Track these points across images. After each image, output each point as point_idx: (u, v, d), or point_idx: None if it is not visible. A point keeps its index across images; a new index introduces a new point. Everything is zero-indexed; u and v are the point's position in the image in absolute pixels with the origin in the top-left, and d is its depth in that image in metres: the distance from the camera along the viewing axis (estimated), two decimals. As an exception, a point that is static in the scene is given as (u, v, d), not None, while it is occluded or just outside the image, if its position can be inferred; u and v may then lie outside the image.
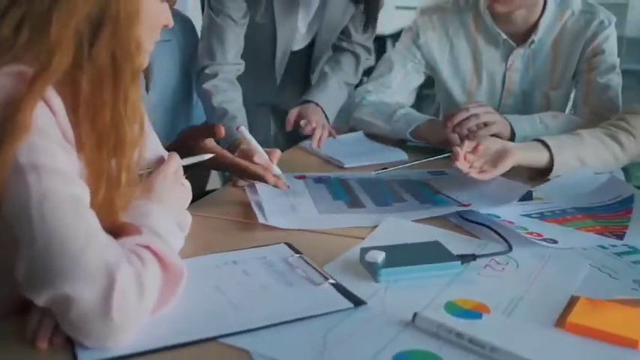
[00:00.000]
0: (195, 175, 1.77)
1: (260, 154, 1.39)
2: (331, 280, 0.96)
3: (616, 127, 1.52)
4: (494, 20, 1.75)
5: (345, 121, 1.88)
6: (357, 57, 1.91)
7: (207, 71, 1.65)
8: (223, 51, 1.66)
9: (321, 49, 1.91)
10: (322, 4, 1.79)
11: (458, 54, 1.82)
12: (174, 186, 1.06)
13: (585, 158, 1.47)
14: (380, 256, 1.00)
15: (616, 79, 1.75)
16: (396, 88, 1.85)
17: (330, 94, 1.82)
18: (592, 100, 1.72)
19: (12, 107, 0.80)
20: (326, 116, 1.76)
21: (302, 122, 1.69)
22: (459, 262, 1.02)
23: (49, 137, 0.82)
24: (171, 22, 1.01)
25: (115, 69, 0.87)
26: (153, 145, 1.15)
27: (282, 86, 1.95)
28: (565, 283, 0.98)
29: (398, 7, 5.35)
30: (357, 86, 1.93)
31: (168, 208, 1.00)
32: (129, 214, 0.93)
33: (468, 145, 1.36)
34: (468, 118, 1.57)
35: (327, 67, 1.89)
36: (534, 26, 1.74)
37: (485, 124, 1.58)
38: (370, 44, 1.90)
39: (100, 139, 0.86)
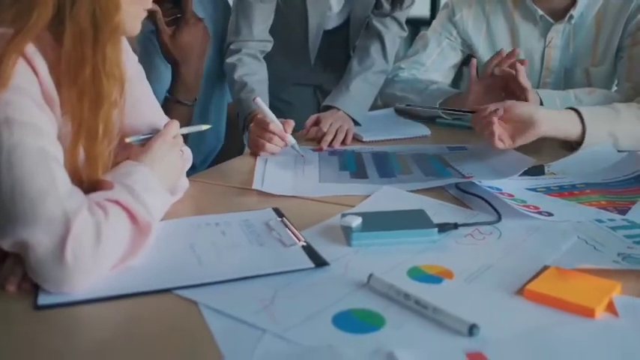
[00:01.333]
0: (230, 147, 1.83)
1: (275, 123, 1.41)
2: (302, 243, 0.97)
3: None
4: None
5: (379, 98, 1.86)
6: (383, 40, 1.81)
7: (232, 47, 1.68)
8: (249, 27, 1.67)
9: (357, 28, 1.88)
10: None
11: (495, 31, 1.77)
12: (170, 150, 1.09)
13: (618, 134, 1.40)
14: (355, 221, 1.00)
15: None
16: (430, 65, 1.82)
17: (354, 93, 1.73)
18: (634, 76, 1.64)
19: None
20: (352, 118, 1.68)
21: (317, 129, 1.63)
22: (436, 230, 1.00)
23: (27, 94, 0.87)
24: (149, 5, 1.03)
25: (94, 27, 0.91)
26: (154, 111, 1.19)
27: (322, 66, 1.94)
28: (544, 254, 0.94)
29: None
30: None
31: (158, 170, 1.03)
32: (113, 172, 0.97)
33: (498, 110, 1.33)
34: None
35: (355, 61, 1.81)
36: (573, 1, 1.67)
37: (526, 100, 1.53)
38: (404, 18, 1.86)
39: (81, 92, 0.91)
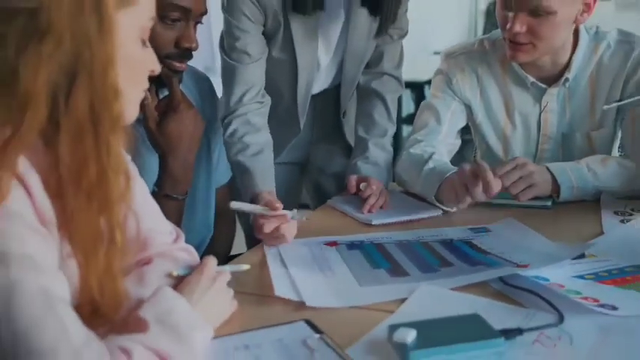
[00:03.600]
0: (220, 236, 1.69)
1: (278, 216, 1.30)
2: (354, 367, 0.84)
3: None
4: (521, 66, 1.63)
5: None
6: (384, 100, 1.76)
7: (225, 121, 1.56)
8: (239, 92, 1.55)
9: (348, 88, 1.78)
10: (345, 29, 1.66)
11: (489, 96, 1.70)
12: (212, 288, 0.97)
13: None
14: (410, 335, 0.87)
15: None
16: (446, 131, 1.72)
17: (377, 164, 1.69)
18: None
19: None
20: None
21: (362, 185, 1.57)
22: (502, 339, 0.88)
23: (21, 221, 0.73)
24: (157, 68, 0.92)
25: (94, 120, 0.78)
26: (154, 212, 1.06)
27: (310, 133, 1.85)
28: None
29: (436, 53, 5.29)
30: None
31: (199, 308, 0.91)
32: (150, 306, 0.84)
33: None
34: (514, 169, 1.46)
35: (361, 129, 1.75)
36: (567, 64, 1.61)
37: (529, 187, 1.47)
38: (400, 73, 1.78)
39: (88, 198, 0.78)
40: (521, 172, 1.46)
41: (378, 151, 1.72)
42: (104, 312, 0.80)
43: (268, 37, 1.60)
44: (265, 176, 1.52)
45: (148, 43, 0.88)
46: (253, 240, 1.44)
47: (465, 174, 1.41)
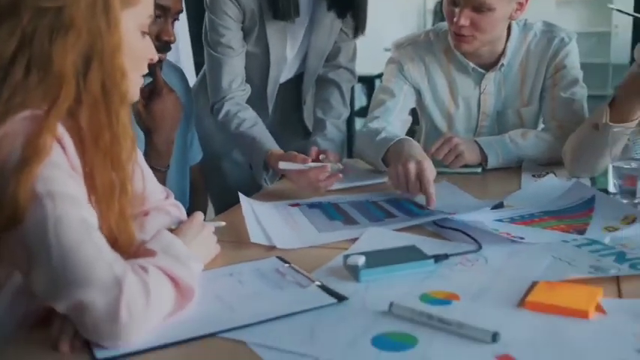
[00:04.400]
0: (196, 207, 1.91)
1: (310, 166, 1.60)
2: (317, 282, 1.07)
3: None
4: (463, 54, 1.89)
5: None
6: (340, 88, 2.03)
7: (216, 106, 1.82)
8: (227, 81, 1.82)
9: (310, 79, 2.04)
10: (309, 29, 1.92)
11: (435, 82, 1.95)
12: (200, 232, 1.20)
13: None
14: (360, 260, 1.11)
15: (580, 92, 1.88)
16: (400, 108, 1.95)
17: (333, 141, 1.94)
18: (558, 114, 1.85)
19: (31, 146, 0.92)
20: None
21: (321, 157, 1.75)
22: (433, 261, 1.13)
23: (61, 169, 0.95)
24: (155, 56, 1.14)
25: (105, 96, 1.00)
26: (150, 177, 1.28)
27: (277, 118, 2.08)
28: (528, 272, 1.09)
29: (386, 49, 5.55)
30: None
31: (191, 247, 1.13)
32: (153, 241, 1.06)
33: None
34: (443, 144, 1.75)
35: (319, 111, 2.01)
36: (502, 52, 1.88)
37: (457, 156, 1.75)
38: (354, 66, 2.05)
39: (104, 157, 0.99)
40: (448, 145, 1.75)
41: (335, 131, 1.97)
42: (119, 248, 1.01)
43: (244, 33, 1.85)
44: (268, 138, 1.80)
45: (147, 36, 1.10)
46: (221, 209, 1.70)
47: (410, 174, 1.50)
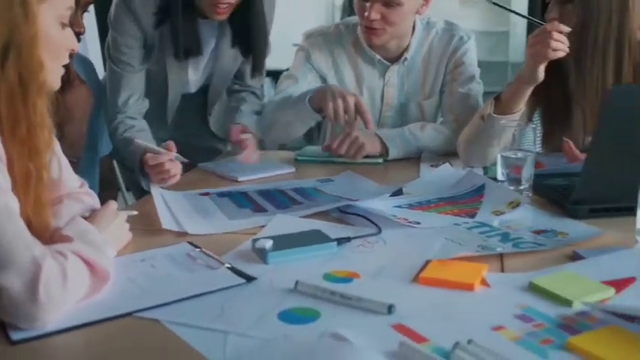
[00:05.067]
0: (105, 195, 1.93)
1: (162, 153, 1.59)
2: (227, 265, 1.13)
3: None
4: (371, 46, 1.98)
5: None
6: (247, 102, 2.05)
7: (111, 118, 1.82)
8: (124, 97, 1.81)
9: (215, 94, 2.08)
10: (213, 56, 1.95)
11: (342, 72, 2.04)
12: (113, 221, 1.23)
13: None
14: (267, 243, 1.18)
15: (476, 88, 2.01)
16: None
17: (251, 115, 1.99)
18: (455, 109, 1.98)
19: None
20: None
21: (245, 135, 1.83)
22: (335, 243, 1.21)
23: None
24: (76, 46, 1.17)
25: (22, 86, 1.02)
26: (65, 164, 1.30)
27: (178, 126, 2.09)
28: (423, 252, 1.18)
29: (295, 44, 5.62)
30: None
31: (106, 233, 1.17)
32: (68, 227, 1.09)
33: None
34: (344, 139, 1.84)
35: (232, 105, 2.06)
36: (407, 47, 1.98)
37: (359, 148, 1.84)
38: (260, 89, 2.08)
39: (22, 146, 1.02)
40: (349, 139, 1.83)
41: (250, 110, 2.01)
42: (35, 233, 1.04)
43: (146, 51, 1.85)
44: (151, 142, 1.77)
45: (67, 27, 1.13)
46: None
47: (350, 105, 1.75)
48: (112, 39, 1.83)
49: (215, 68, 1.98)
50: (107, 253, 1.10)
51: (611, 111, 1.27)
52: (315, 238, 1.23)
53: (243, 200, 1.56)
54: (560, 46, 1.59)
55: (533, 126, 1.77)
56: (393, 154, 1.89)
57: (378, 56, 2.00)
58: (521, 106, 1.69)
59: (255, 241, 1.21)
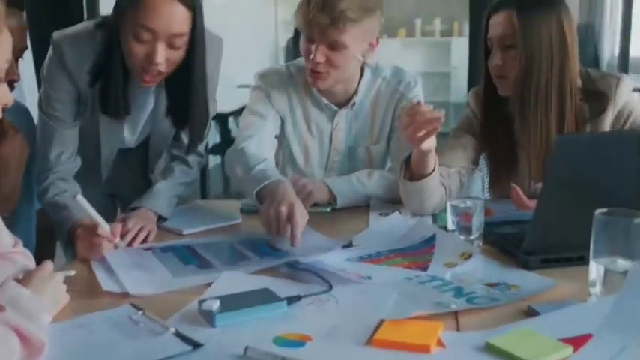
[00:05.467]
0: (42, 255, 1.84)
1: (102, 227, 1.49)
2: (172, 329, 1.07)
3: None
4: (319, 90, 1.96)
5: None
6: (187, 163, 1.95)
7: (41, 177, 1.72)
8: (55, 153, 1.73)
9: (156, 153, 1.97)
10: (151, 118, 1.87)
11: (295, 113, 2.00)
12: (49, 283, 1.16)
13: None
14: (215, 304, 1.12)
15: None
16: (270, 129, 1.96)
17: (159, 192, 1.81)
18: (403, 155, 1.95)
19: None
20: (158, 213, 1.76)
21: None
22: (285, 302, 1.16)
23: None
24: (10, 101, 1.11)
25: None
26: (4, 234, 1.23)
27: (113, 183, 1.99)
28: (376, 310, 1.14)
29: (239, 86, 5.62)
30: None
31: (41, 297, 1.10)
32: (1, 293, 1.02)
33: None
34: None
35: (159, 176, 1.93)
36: (355, 92, 1.97)
37: (307, 196, 1.79)
38: (201, 149, 1.97)
39: None
40: (296, 187, 1.77)
41: (166, 188, 1.83)
42: None
43: (79, 106, 1.76)
44: (81, 211, 1.61)
45: (2, 83, 1.07)
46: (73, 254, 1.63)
47: (281, 216, 1.52)
48: (44, 93, 1.75)
49: (153, 130, 1.91)
50: (42, 320, 1.03)
51: (557, 161, 1.27)
52: (264, 297, 1.18)
53: (188, 255, 1.50)
54: (428, 130, 1.57)
55: (481, 173, 1.76)
56: (341, 202, 1.86)
57: (326, 100, 1.98)
58: (431, 168, 1.69)
59: (201, 302, 1.15)
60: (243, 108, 2.06)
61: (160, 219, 1.75)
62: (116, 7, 1.64)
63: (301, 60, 2.01)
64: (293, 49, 8.44)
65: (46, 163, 1.74)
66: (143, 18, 1.56)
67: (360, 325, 1.09)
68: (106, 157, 1.90)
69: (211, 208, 1.91)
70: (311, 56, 1.83)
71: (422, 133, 1.58)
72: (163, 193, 1.81)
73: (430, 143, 1.62)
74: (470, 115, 1.94)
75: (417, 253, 1.44)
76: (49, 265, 1.20)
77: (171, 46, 1.60)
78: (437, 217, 1.75)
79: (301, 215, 1.53)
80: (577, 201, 1.28)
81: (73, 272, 1.30)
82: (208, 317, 1.12)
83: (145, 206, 1.75)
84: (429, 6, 8.58)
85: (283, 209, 1.52)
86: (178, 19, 1.58)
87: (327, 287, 1.25)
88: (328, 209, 1.85)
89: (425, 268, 1.35)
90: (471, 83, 3.77)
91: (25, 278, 1.14)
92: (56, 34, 1.71)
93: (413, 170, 1.71)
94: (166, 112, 1.79)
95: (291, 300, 1.18)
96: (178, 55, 1.63)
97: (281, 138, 2.06)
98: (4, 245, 1.21)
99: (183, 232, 1.69)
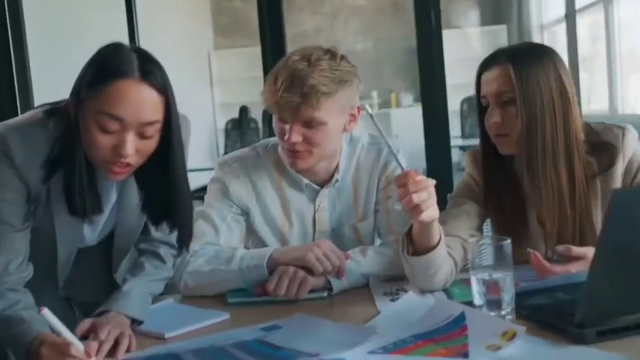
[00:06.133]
0: None
1: (75, 346, 1.24)
2: None
3: None
4: (298, 171, 1.78)
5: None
6: (159, 257, 1.71)
7: None
8: (4, 262, 1.45)
9: (121, 252, 1.72)
10: (115, 210, 1.63)
11: (265, 199, 1.81)
12: None
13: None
14: None
15: None
16: (225, 240, 1.77)
17: (131, 295, 1.56)
18: (395, 227, 1.78)
19: None
20: (133, 319, 1.51)
21: (90, 337, 1.42)
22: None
23: None
24: None
25: None
26: None
27: (72, 286, 1.72)
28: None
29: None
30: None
31: None
32: None
33: None
34: (281, 278, 1.61)
35: (128, 274, 1.66)
36: (336, 168, 1.80)
37: (301, 284, 1.60)
38: (172, 238, 1.68)
39: None
40: (287, 276, 1.60)
41: (136, 285, 1.60)
42: None
43: (30, 207, 1.52)
44: (41, 322, 1.37)
45: None
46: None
47: (329, 250, 1.63)
48: None
49: (118, 226, 1.67)
50: None
51: (613, 218, 1.11)
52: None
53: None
54: (422, 203, 1.41)
55: (489, 241, 1.60)
56: (337, 285, 1.65)
57: (306, 180, 1.80)
58: (437, 239, 1.52)
59: None
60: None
61: (134, 322, 1.51)
62: (74, 94, 1.43)
63: (271, 139, 1.85)
64: (233, 130, 8.32)
65: None
66: (108, 106, 1.36)
67: None
68: (64, 259, 1.64)
69: (189, 303, 1.67)
70: (286, 137, 1.66)
71: (421, 201, 1.41)
72: (135, 293, 1.57)
73: (432, 213, 1.45)
74: (468, 180, 1.79)
75: (449, 336, 1.25)
76: None
77: (142, 135, 1.40)
78: (450, 292, 1.57)
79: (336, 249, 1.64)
80: (633, 262, 1.13)
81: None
82: None
83: (115, 309, 1.50)
84: (364, 80, 8.63)
85: (325, 244, 1.64)
86: (150, 105, 1.39)
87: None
88: (325, 294, 1.64)
89: (465, 355, 1.16)
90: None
91: None
92: None
93: (416, 244, 1.54)
94: (142, 208, 1.56)
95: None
96: (150, 144, 1.43)
97: (249, 232, 1.86)
98: None
99: (165, 336, 1.45)
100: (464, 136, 7.76)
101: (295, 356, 1.23)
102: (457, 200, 1.76)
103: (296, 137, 1.65)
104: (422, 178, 1.43)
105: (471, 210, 1.72)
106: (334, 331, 1.35)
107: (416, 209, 1.42)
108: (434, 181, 1.44)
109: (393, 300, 1.55)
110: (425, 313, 1.37)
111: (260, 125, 7.52)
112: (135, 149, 1.40)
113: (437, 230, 1.52)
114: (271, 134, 1.83)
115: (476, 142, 1.86)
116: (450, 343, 1.21)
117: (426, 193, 1.41)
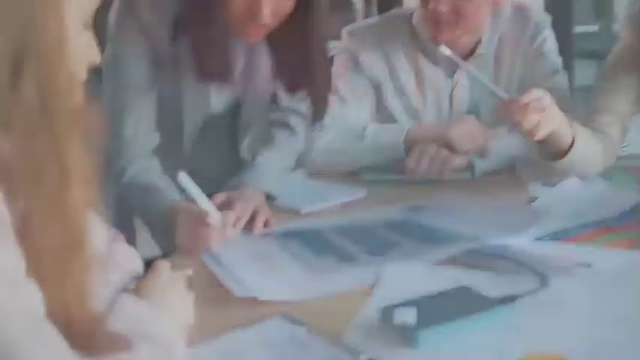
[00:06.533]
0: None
1: (212, 214, 1.16)
2: (364, 357, 0.75)
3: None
4: (440, 41, 1.60)
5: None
6: (290, 127, 1.57)
7: (116, 155, 1.37)
8: (131, 128, 1.38)
9: (249, 118, 1.57)
10: (244, 74, 1.46)
11: (399, 73, 1.65)
12: (173, 292, 0.84)
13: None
14: (411, 315, 0.80)
15: (561, 82, 1.64)
16: (353, 118, 1.64)
17: (265, 169, 1.47)
18: (564, 105, 1.59)
19: None
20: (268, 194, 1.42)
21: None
22: (503, 307, 0.83)
23: None
24: (98, 58, 0.78)
25: (47, 113, 0.63)
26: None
27: (195, 159, 1.55)
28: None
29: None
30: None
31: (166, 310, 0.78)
32: (117, 319, 0.71)
33: None
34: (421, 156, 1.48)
35: (259, 146, 1.55)
36: (478, 41, 1.62)
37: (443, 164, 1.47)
38: (303, 108, 1.54)
39: (48, 204, 0.63)
40: (428, 154, 1.46)
41: (268, 155, 1.51)
42: (76, 337, 0.65)
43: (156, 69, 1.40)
44: (175, 191, 1.32)
45: (88, 32, 0.74)
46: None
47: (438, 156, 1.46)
48: (111, 57, 1.38)
49: (245, 93, 1.51)
50: (177, 353, 0.72)
51: None
52: (469, 301, 0.85)
53: (319, 244, 1.16)
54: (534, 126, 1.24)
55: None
56: (481, 166, 1.51)
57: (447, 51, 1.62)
58: (569, 140, 1.33)
59: (387, 310, 0.83)
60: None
61: (268, 198, 1.42)
62: None
63: (402, 10, 1.67)
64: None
65: (120, 140, 1.40)
66: None
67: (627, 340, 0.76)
68: (191, 128, 1.55)
69: (322, 179, 1.56)
70: (431, 5, 1.49)
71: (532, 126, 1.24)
72: (269, 167, 1.47)
73: (548, 128, 1.27)
74: (628, 44, 1.55)
75: (630, 226, 1.10)
76: (164, 267, 0.87)
77: None
78: (612, 179, 1.40)
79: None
80: None
81: (189, 272, 0.98)
82: (405, 333, 0.79)
83: (249, 183, 1.42)
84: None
85: (469, 124, 1.55)
86: None
87: (540, 281, 0.92)
88: (468, 173, 1.51)
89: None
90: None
91: (139, 291, 0.82)
92: None
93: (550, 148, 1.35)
94: (275, 74, 1.44)
95: (506, 302, 0.85)
96: (287, 3, 1.29)
97: (377, 108, 1.70)
98: (100, 242, 0.88)
99: (302, 212, 1.36)
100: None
101: (455, 239, 1.11)
102: (611, 72, 1.53)
103: (444, 7, 1.48)
104: (526, 101, 1.25)
105: (628, 83, 1.51)
106: (493, 213, 1.22)
107: (530, 133, 1.25)
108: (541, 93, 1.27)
109: (547, 185, 1.40)
110: (595, 200, 1.22)
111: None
112: (271, 9, 1.27)
113: (565, 134, 1.33)
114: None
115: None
116: (631, 234, 1.07)
117: (536, 115, 1.24)
